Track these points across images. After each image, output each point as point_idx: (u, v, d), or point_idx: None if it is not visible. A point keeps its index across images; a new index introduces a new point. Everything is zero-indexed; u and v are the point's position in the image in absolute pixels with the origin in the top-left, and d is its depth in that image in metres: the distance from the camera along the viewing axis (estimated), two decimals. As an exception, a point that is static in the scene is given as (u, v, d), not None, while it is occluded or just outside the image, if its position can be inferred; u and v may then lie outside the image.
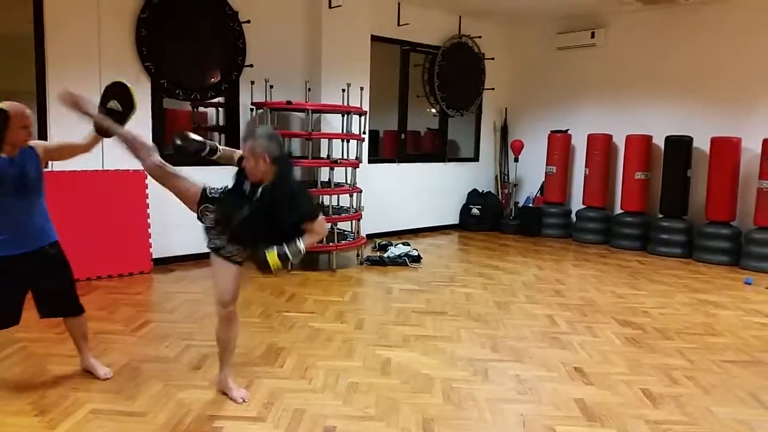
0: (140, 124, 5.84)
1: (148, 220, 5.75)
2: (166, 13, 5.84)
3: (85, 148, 3.40)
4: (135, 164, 5.66)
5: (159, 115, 6.02)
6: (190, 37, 6.07)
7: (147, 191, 5.75)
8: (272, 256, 2.77)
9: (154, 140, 5.94)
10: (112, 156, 5.65)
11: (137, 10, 5.71)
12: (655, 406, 3.23)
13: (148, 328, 4.25)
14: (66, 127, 5.40)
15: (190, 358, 3.70)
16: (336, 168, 6.22)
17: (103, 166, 5.59)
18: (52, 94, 5.32)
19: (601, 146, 8.15)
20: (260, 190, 2.88)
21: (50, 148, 3.30)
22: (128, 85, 3.28)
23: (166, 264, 5.97)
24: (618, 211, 8.10)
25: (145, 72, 5.82)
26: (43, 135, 5.36)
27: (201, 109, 7.09)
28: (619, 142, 8.11)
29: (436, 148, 8.99)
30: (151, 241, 5.77)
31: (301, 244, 2.83)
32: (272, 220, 2.82)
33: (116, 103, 3.22)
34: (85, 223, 5.31)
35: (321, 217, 2.94)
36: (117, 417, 2.91)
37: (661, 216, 7.55)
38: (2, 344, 3.80)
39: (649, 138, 7.74)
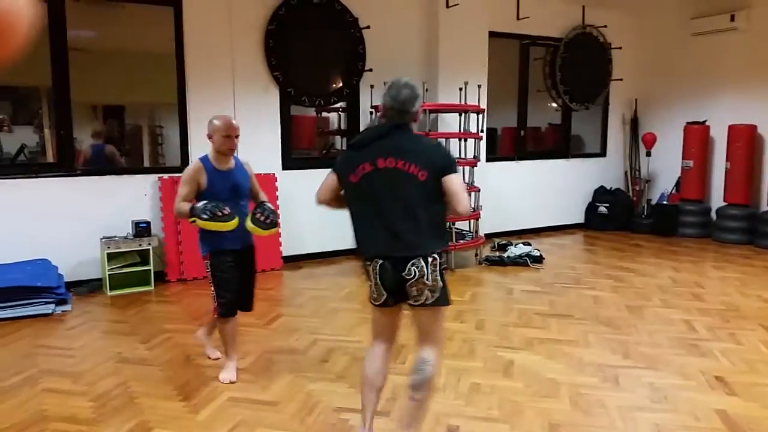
0: (270, 131, 6.23)
1: (279, 220, 6.05)
2: (291, 24, 6.13)
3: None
4: (266, 168, 6.05)
5: (287, 122, 6.33)
6: (313, 45, 6.33)
7: (277, 193, 6.07)
8: None
9: (283, 146, 6.29)
10: (246, 160, 6.04)
11: (266, 22, 6.05)
12: (812, 423, 2.92)
13: (279, 322, 4.49)
14: (205, 138, 5.83)
15: (318, 351, 3.86)
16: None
17: (236, 171, 5.97)
18: (191, 105, 5.77)
19: (744, 138, 7.46)
20: None
21: (254, 182, 3.57)
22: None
23: (296, 261, 6.26)
24: (764, 208, 7.37)
25: (273, 81, 6.15)
26: (184, 143, 5.83)
27: (324, 114, 7.37)
28: (765, 133, 7.38)
29: (558, 144, 8.68)
30: (281, 239, 6.09)
31: None
32: None
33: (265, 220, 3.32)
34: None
35: (329, 173, 2.60)
36: (252, 405, 3.11)
37: (817, 213, 6.79)
38: (151, 334, 4.19)
39: (802, 127, 6.99)
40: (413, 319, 2.57)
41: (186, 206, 3.18)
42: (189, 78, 5.77)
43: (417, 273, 2.39)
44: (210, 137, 3.29)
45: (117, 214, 5.45)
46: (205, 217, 3.09)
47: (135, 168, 5.87)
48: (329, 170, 2.58)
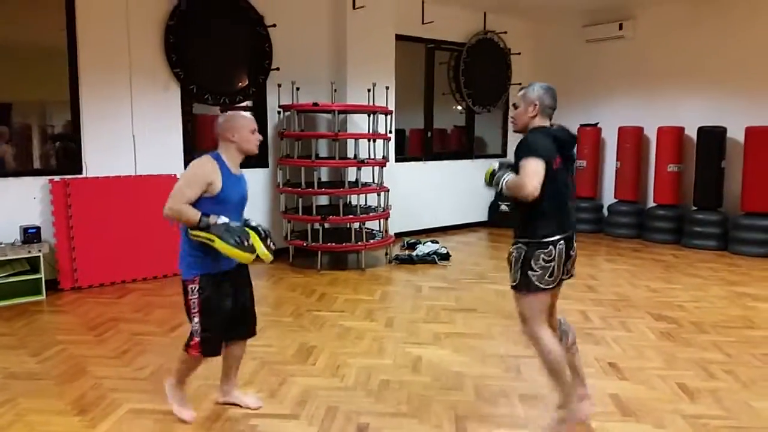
0: (171, 131, 6.01)
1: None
2: (192, 20, 5.94)
3: None
4: (167, 169, 5.83)
5: (189, 121, 6.12)
6: (217, 42, 6.16)
7: (179, 195, 5.84)
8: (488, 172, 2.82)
9: (185, 146, 6.08)
10: (145, 161, 5.80)
11: (165, 18, 5.82)
12: (692, 401, 3.17)
13: (182, 330, 4.31)
14: (100, 138, 5.57)
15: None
16: (363, 168, 6.24)
17: (136, 172, 5.72)
18: (84, 102, 5.46)
19: (632, 139, 8.02)
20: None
21: None
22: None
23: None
24: (651, 204, 7.96)
25: (174, 78, 5.93)
26: (77, 143, 5.50)
27: (229, 113, 7.19)
28: (651, 135, 7.97)
29: (462, 146, 8.95)
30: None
31: (507, 176, 2.69)
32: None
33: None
34: (119, 227, 5.44)
35: (531, 160, 2.59)
36: (154, 416, 2.98)
37: (695, 208, 7.40)
38: (43, 346, 3.92)
39: (681, 129, 7.59)
40: (554, 292, 2.84)
41: (193, 213, 2.63)
42: (82, 74, 5.45)
43: (575, 249, 2.83)
44: (227, 136, 2.78)
45: (3, 219, 5.05)
46: (232, 242, 2.59)
47: (23, 170, 5.47)
48: (532, 158, 2.58)
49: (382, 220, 6.53)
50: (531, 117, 2.78)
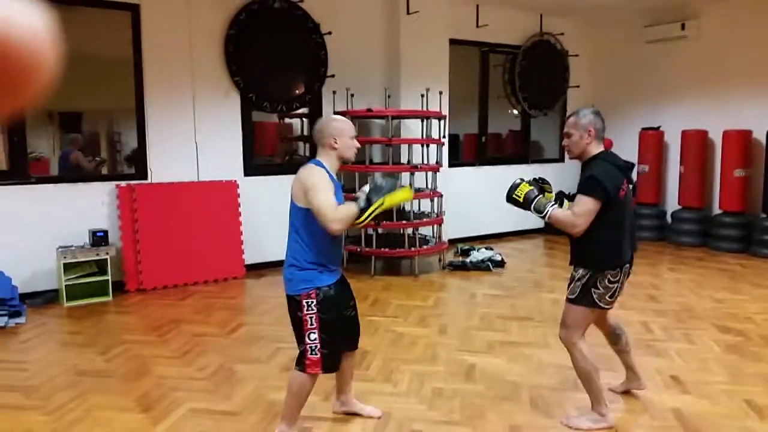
0: (231, 137, 6.18)
1: (241, 228, 6.01)
2: (252, 29, 6.10)
3: None
4: (227, 175, 6.00)
5: (248, 128, 6.29)
6: (275, 50, 6.30)
7: (239, 200, 6.01)
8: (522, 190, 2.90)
9: (244, 153, 6.24)
10: (207, 167, 5.99)
11: (226, 27, 6.00)
12: (761, 419, 3.03)
13: (241, 331, 4.44)
14: (164, 144, 5.78)
15: (281, 359, 3.83)
16: (416, 173, 6.25)
17: (198, 177, 5.91)
18: (149, 111, 5.68)
19: (696, 143, 7.73)
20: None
21: None
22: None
23: (258, 269, 6.21)
24: (717, 211, 7.64)
25: (234, 86, 6.10)
26: (142, 153, 5.73)
27: (287, 120, 7.34)
28: (716, 138, 7.66)
29: (518, 150, 8.83)
30: (243, 247, 6.03)
31: (550, 208, 2.80)
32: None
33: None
34: (182, 231, 5.63)
35: (588, 200, 2.71)
36: (213, 416, 3.07)
37: (764, 215, 7.05)
38: (109, 345, 4.10)
39: (748, 133, 7.26)
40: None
41: (349, 208, 2.53)
42: (147, 84, 5.68)
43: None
44: (331, 141, 2.66)
45: (73, 223, 5.32)
46: (390, 189, 2.57)
47: (92, 175, 5.75)
48: (592, 198, 2.71)
49: (435, 226, 6.52)
50: (587, 144, 2.86)
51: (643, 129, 8.26)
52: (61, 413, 3.08)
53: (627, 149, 8.42)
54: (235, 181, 6.05)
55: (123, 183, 5.53)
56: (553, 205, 2.82)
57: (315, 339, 2.61)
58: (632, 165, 2.99)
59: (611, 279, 2.81)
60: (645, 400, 3.25)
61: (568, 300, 2.89)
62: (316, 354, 2.62)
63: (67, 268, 5.08)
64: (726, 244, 7.29)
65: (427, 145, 6.48)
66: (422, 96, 6.51)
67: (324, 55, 6.56)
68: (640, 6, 8.05)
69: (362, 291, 5.48)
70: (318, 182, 2.54)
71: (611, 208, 2.75)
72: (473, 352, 4.00)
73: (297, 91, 6.53)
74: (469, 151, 8.52)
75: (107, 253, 5.21)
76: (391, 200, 2.59)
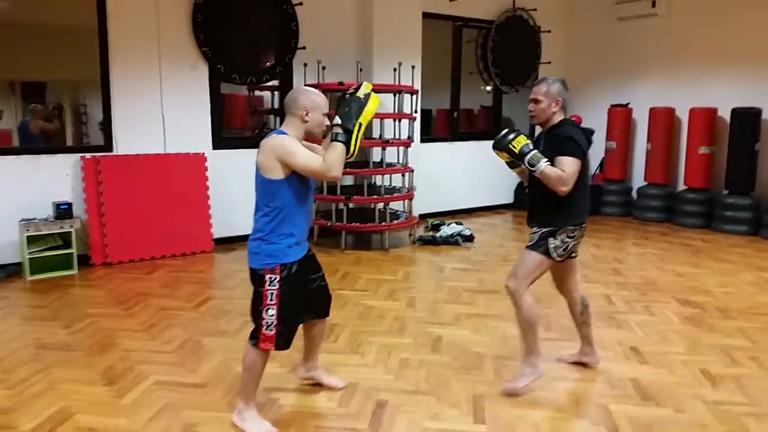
0: (199, 110, 6.08)
1: (209, 201, 5.95)
2: (220, -1, 5.96)
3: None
4: (195, 147, 5.91)
5: (217, 100, 6.18)
6: (244, 21, 6.18)
7: (207, 173, 5.93)
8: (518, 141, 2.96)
9: (213, 125, 6.15)
10: (174, 140, 5.89)
11: (193, -3, 5.86)
12: (714, 387, 3.15)
13: (208, 305, 4.43)
14: (129, 116, 5.66)
15: (248, 333, 3.81)
16: (388, 147, 6.24)
17: (165, 150, 5.81)
18: (114, 81, 5.55)
19: (663, 120, 7.84)
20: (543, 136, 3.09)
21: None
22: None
23: (227, 243, 6.16)
24: (681, 187, 7.80)
25: (202, 57, 5.98)
26: (107, 125, 5.61)
27: (256, 92, 7.23)
28: (683, 116, 7.78)
29: (490, 126, 8.86)
30: (211, 221, 5.97)
31: (544, 164, 2.86)
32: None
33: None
34: (149, 204, 5.55)
35: (571, 160, 2.87)
36: (179, 388, 3.07)
37: (726, 192, 7.23)
38: (74, 319, 4.05)
39: (714, 111, 7.40)
40: (568, 267, 3.20)
41: (333, 148, 2.49)
42: (112, 54, 5.53)
43: None
44: (303, 114, 2.57)
45: (37, 195, 5.20)
46: (362, 100, 2.54)
47: (55, 147, 5.60)
48: (575, 159, 2.87)
49: (406, 201, 6.53)
50: (554, 112, 3.02)
51: (612, 106, 8.35)
52: (23, 387, 3.05)
53: (596, 125, 8.49)
54: (204, 153, 5.96)
55: (88, 155, 5.41)
56: (546, 162, 2.88)
57: (273, 315, 2.59)
58: (592, 131, 3.12)
59: (569, 234, 2.99)
60: (604, 369, 3.34)
61: (526, 248, 3.07)
62: (271, 330, 2.60)
63: (31, 241, 4.99)
64: (690, 220, 7.46)
65: (399, 120, 6.46)
66: (394, 70, 6.47)
67: (295, 26, 6.46)
68: (611, -17, 8.07)
69: (332, 265, 5.49)
70: (290, 146, 2.50)
71: (582, 169, 2.94)
72: (440, 324, 4.05)
73: (267, 63, 6.43)
74: (441, 126, 8.52)
75: (71, 226, 5.11)
76: (366, 117, 2.55)
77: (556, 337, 3.82)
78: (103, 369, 3.27)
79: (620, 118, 8.28)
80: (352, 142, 2.54)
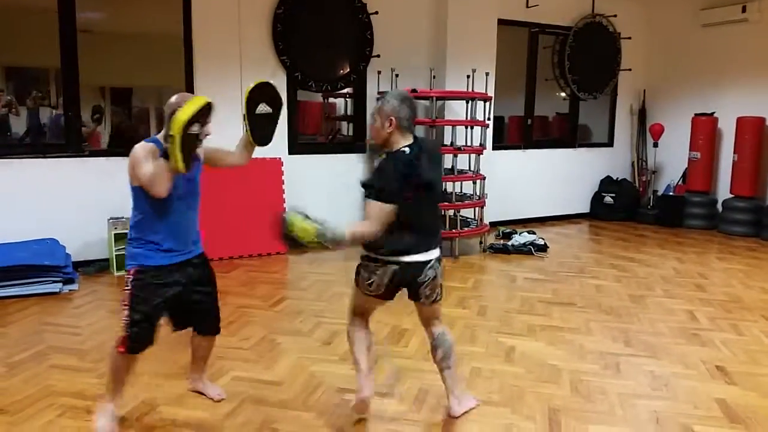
0: (276, 114, 6.22)
1: (284, 205, 6.09)
2: (299, 8, 6.12)
3: (239, 158, 3.11)
4: (272, 153, 6.08)
5: (293, 107, 6.34)
6: (321, 30, 6.32)
7: (283, 177, 6.09)
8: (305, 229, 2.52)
9: (289, 131, 6.30)
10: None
11: (274, 6, 6.04)
12: (811, 414, 2.94)
13: (283, 305, 4.53)
14: (213, 122, 5.87)
15: (322, 333, 3.90)
16: (459, 155, 6.21)
17: (243, 154, 6.00)
18: (198, 88, 5.79)
19: (751, 130, 7.42)
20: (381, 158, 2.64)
21: (208, 150, 2.98)
22: (272, 83, 2.90)
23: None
24: (771, 200, 7.37)
25: (281, 66, 6.15)
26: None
27: (331, 99, 7.37)
28: (775, 125, 7.35)
29: (565, 133, 8.66)
30: (285, 224, 6.10)
31: (343, 230, 2.47)
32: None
33: (265, 105, 2.89)
34: (227, 206, 5.74)
35: (375, 204, 2.47)
36: (256, 384, 3.16)
37: (823, 206, 6.76)
38: (158, 314, 4.23)
39: (810, 120, 6.95)
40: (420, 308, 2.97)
41: (156, 163, 2.48)
42: (197, 61, 5.78)
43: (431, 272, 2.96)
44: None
45: (124, 195, 5.43)
46: (168, 111, 2.51)
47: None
48: (375, 202, 2.50)
49: (477, 208, 6.47)
50: (389, 133, 2.55)
51: (696, 115, 7.98)
52: (112, 376, 3.21)
53: (679, 135, 8.19)
54: (280, 158, 6.12)
55: (172, 158, 5.65)
56: (348, 227, 2.49)
57: (126, 317, 2.58)
58: (439, 156, 2.80)
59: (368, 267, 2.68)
60: (688, 389, 3.19)
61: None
62: (125, 332, 2.59)
63: (118, 238, 5.25)
64: (780, 236, 7.02)
65: (471, 127, 6.41)
66: (468, 77, 6.44)
67: (370, 34, 6.54)
68: (698, -14, 7.75)
69: (402, 271, 5.48)
70: (139, 156, 2.51)
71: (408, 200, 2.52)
72: (513, 334, 3.98)
73: (342, 71, 6.54)
74: (514, 133, 8.40)
75: (156, 226, 5.35)
76: (175, 126, 2.31)
77: (637, 353, 3.67)
78: (185, 363, 3.39)
79: (705, 127, 7.90)
80: (172, 150, 2.36)
